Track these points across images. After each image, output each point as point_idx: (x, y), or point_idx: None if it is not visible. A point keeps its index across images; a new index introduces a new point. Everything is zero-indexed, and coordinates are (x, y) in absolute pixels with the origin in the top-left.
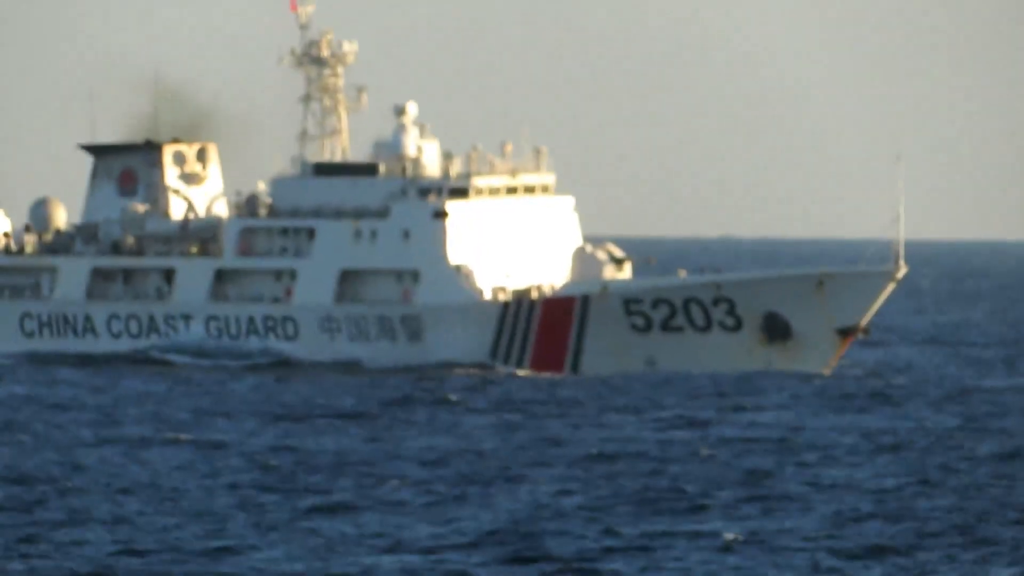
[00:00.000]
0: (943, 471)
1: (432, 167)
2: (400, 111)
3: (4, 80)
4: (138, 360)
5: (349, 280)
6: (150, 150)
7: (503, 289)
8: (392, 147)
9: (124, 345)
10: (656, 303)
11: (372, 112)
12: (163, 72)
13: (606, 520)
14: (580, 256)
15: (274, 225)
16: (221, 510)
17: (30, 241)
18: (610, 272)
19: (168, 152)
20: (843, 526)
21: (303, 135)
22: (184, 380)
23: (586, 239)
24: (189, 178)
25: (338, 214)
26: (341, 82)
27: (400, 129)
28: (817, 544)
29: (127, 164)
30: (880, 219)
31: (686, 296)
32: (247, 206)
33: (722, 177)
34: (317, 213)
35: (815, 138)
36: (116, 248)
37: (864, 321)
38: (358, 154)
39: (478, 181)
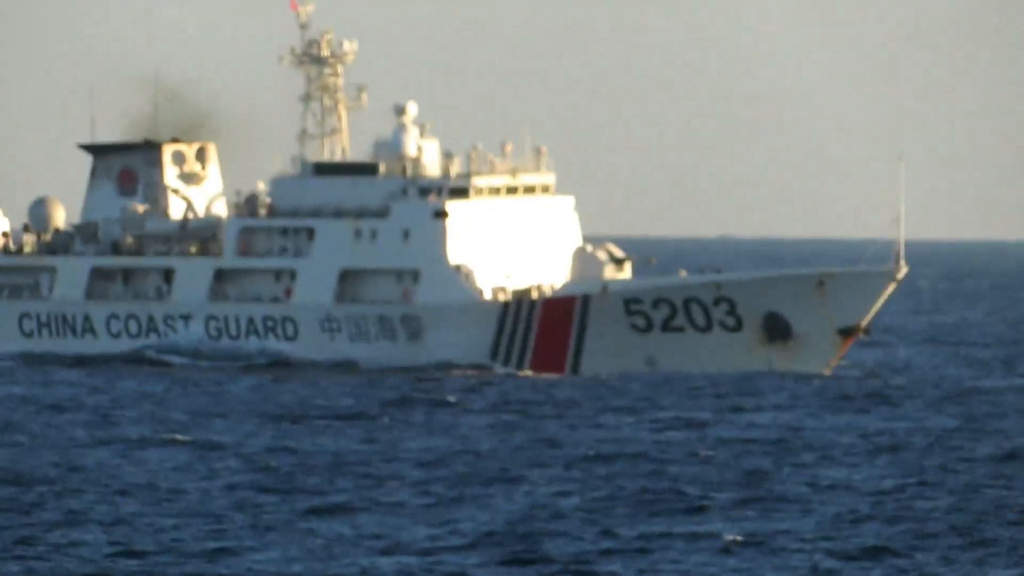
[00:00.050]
0: (942, 472)
1: (432, 167)
2: (400, 111)
3: (3, 80)
4: (137, 360)
5: (349, 280)
6: (149, 150)
7: (503, 289)
8: (392, 147)
9: (123, 345)
10: (656, 303)
11: (372, 112)
12: (163, 72)
13: (604, 521)
14: (580, 256)
15: (274, 225)
16: (219, 511)
17: (29, 241)
18: (610, 272)
19: (167, 152)
20: (842, 527)
21: (303, 134)
22: (182, 380)
23: (586, 239)
24: (189, 178)
25: (338, 214)
26: (341, 81)
27: (400, 129)
28: (815, 545)
29: (126, 164)
30: (880, 219)
31: (687, 296)
32: (247, 206)
33: (722, 177)
34: (317, 213)
35: (815, 138)
36: (115, 248)
37: (865, 321)
38: (358, 154)
39: (478, 181)
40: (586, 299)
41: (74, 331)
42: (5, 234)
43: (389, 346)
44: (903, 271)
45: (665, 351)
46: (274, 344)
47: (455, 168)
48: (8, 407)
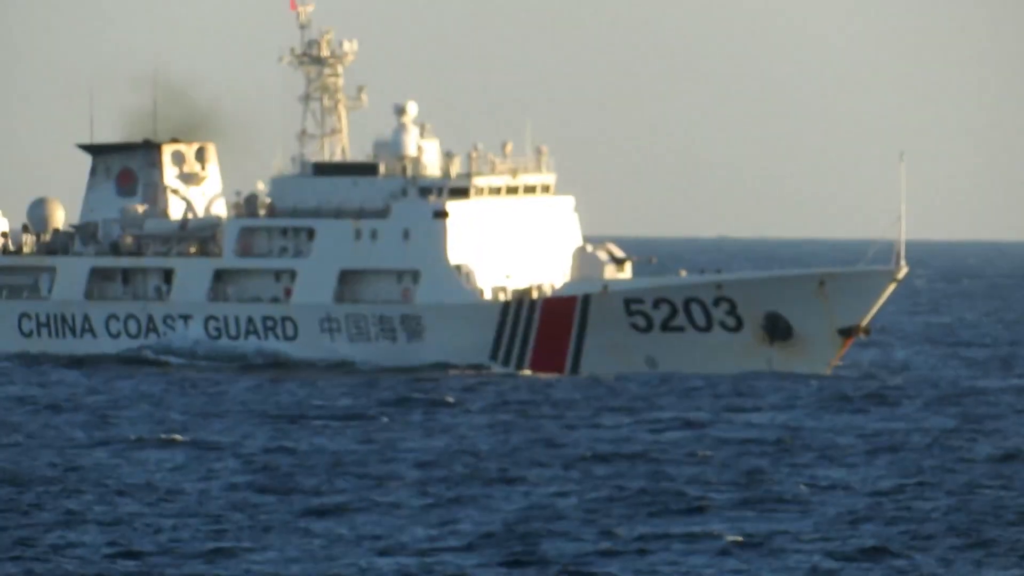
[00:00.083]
0: (940, 472)
1: (432, 167)
2: (400, 110)
3: (3, 80)
4: (136, 360)
5: (349, 280)
6: (149, 150)
7: (503, 289)
8: (392, 147)
9: (123, 345)
10: (657, 303)
11: (372, 111)
12: (162, 72)
13: (603, 522)
14: (580, 256)
15: (273, 225)
16: (217, 511)
17: (28, 241)
18: (610, 272)
19: (167, 152)
20: (840, 528)
21: (303, 134)
22: (180, 381)
23: (586, 239)
24: (188, 178)
25: (338, 214)
26: (341, 81)
27: (400, 128)
28: (814, 546)
29: (126, 164)
30: (881, 219)
31: (687, 296)
32: (246, 206)
33: (722, 177)
34: (317, 213)
35: (815, 138)
36: (115, 248)
37: (865, 321)
38: (358, 154)
39: (478, 181)
40: (586, 299)
41: (73, 331)
42: (4, 234)
43: (389, 346)
44: (904, 271)
45: (665, 351)
46: (274, 344)
47: (455, 168)
48: (6, 407)
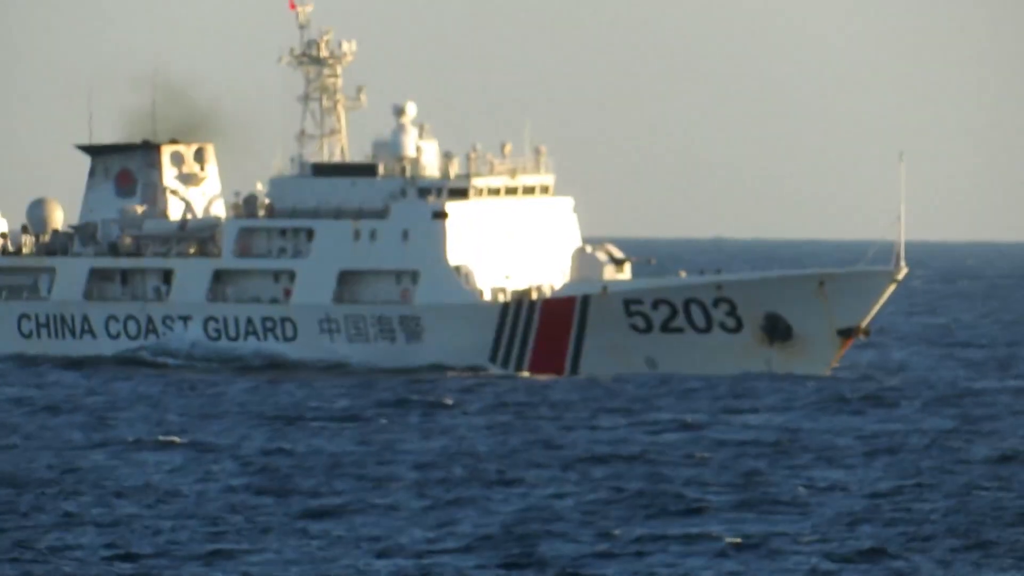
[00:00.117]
0: (938, 473)
1: (431, 167)
2: (399, 111)
3: (1, 80)
4: (134, 361)
5: (348, 281)
6: (148, 150)
7: (503, 290)
8: (391, 147)
9: (122, 346)
10: (656, 304)
11: (371, 112)
12: (161, 72)
13: (601, 524)
14: (580, 257)
15: (273, 225)
16: (215, 513)
17: (27, 242)
18: (610, 273)
19: (166, 152)
20: (838, 529)
21: (302, 135)
22: (179, 382)
23: (585, 240)
24: (187, 178)
25: (337, 214)
26: (340, 82)
27: (399, 129)
28: (812, 547)
29: (125, 164)
30: (880, 220)
31: (686, 297)
32: (245, 206)
33: (721, 178)
34: (316, 213)
35: (815, 138)
36: (114, 249)
37: (865, 322)
38: (357, 154)
39: (477, 181)
40: (586, 300)
41: (73, 332)
42: (4, 235)
43: (388, 347)
44: (903, 272)
45: (665, 352)
46: (273, 345)
47: (454, 169)
48: (4, 409)
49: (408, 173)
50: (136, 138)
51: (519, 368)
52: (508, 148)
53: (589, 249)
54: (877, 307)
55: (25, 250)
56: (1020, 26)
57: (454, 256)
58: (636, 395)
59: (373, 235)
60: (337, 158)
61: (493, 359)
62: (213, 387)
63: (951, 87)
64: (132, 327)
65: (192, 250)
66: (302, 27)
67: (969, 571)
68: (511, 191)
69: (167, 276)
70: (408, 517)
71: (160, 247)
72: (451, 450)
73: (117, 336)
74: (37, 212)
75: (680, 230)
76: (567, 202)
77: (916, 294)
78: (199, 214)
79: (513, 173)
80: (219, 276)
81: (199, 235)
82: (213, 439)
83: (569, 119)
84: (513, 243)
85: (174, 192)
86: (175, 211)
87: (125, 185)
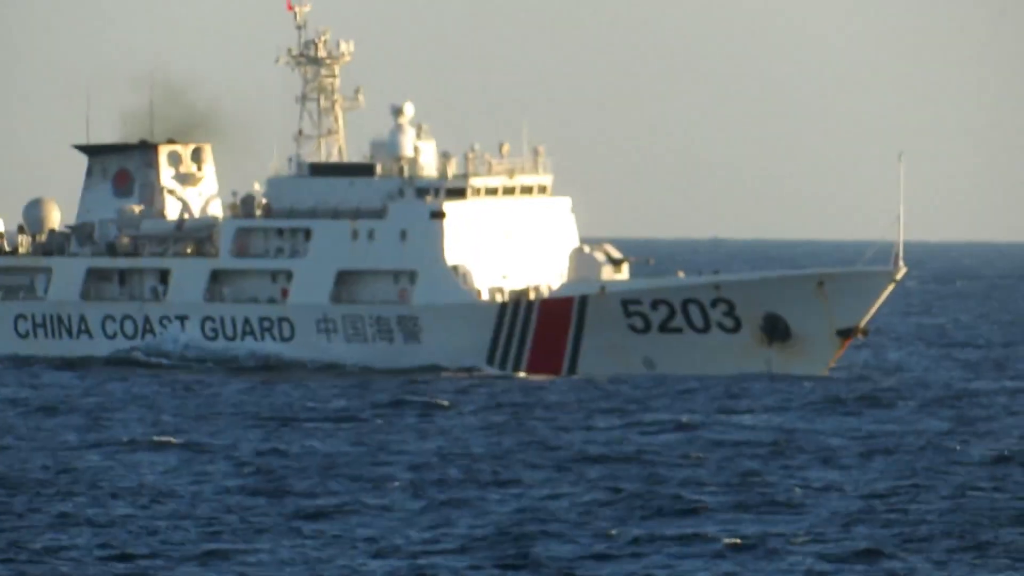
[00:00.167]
0: (934, 474)
1: (429, 167)
2: (397, 111)
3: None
4: (129, 362)
5: (346, 281)
6: (145, 150)
7: (500, 290)
8: (389, 147)
9: (119, 346)
10: (655, 304)
11: (369, 112)
12: (159, 72)
13: (597, 524)
14: (578, 257)
15: (270, 225)
16: (210, 514)
17: (24, 242)
18: (608, 273)
19: (163, 152)
20: (834, 530)
21: (299, 135)
22: (173, 383)
23: (583, 240)
24: (184, 178)
25: (335, 214)
26: (338, 82)
27: (397, 129)
28: (808, 548)
29: (122, 164)
30: (879, 220)
31: (685, 297)
32: (243, 206)
33: (720, 178)
34: (313, 213)
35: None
36: (111, 249)
37: (863, 322)
38: (355, 154)
39: (475, 181)
40: (584, 300)
41: (70, 332)
42: (0, 235)
43: (386, 347)
44: (902, 272)
45: (663, 352)
46: (270, 345)
47: (452, 168)
48: None
49: (406, 173)
50: (134, 138)
51: (517, 368)
52: (506, 148)
53: (587, 249)
54: (876, 307)
55: (22, 250)
56: (1020, 26)
57: (452, 256)
58: (632, 396)
59: (371, 235)
60: (335, 158)
61: (491, 359)
62: (208, 388)
63: (951, 87)
64: (129, 327)
65: (189, 250)
66: (299, 27)
67: (965, 572)
68: (509, 191)
69: (164, 276)
70: (403, 518)
71: (157, 247)
72: (446, 451)
73: (114, 336)
74: (34, 212)
75: (679, 230)
76: (565, 202)
77: (912, 294)
78: (196, 214)
79: (511, 173)
80: (216, 276)
81: (196, 235)
82: (208, 440)
83: (567, 119)
84: (511, 243)
85: (171, 192)
86: (172, 211)
87: (122, 185)
